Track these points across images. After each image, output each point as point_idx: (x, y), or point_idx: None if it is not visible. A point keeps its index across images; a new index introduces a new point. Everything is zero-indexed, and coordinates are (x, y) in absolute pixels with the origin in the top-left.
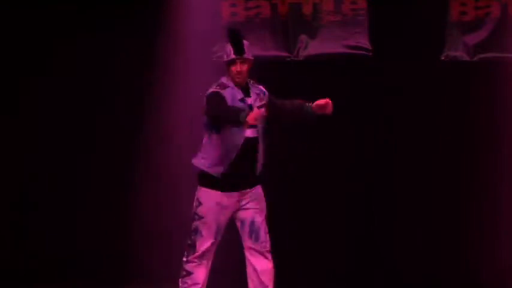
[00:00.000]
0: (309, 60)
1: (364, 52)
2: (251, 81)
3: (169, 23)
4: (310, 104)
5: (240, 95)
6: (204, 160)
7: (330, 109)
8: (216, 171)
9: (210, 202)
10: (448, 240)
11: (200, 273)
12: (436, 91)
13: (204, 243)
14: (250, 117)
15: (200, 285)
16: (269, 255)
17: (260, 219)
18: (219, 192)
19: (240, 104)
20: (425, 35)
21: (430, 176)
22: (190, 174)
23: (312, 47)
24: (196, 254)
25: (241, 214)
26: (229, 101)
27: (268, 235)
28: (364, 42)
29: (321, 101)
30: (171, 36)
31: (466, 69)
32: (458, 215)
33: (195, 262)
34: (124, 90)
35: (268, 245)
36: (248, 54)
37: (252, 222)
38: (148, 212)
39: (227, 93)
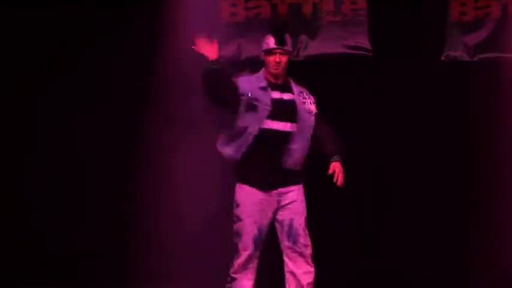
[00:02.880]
0: (309, 60)
1: (364, 52)
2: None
3: (169, 23)
4: (334, 159)
5: (263, 84)
6: (228, 147)
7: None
8: (235, 157)
9: (247, 201)
10: (448, 240)
11: (245, 280)
12: (436, 91)
13: (247, 248)
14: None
15: None
16: (309, 260)
17: (299, 222)
18: (255, 189)
19: (260, 93)
20: (425, 35)
21: (430, 176)
22: (190, 173)
23: (312, 47)
24: (240, 260)
25: (280, 215)
26: (243, 84)
27: (309, 239)
28: (364, 42)
29: (336, 175)
30: (171, 36)
31: (466, 69)
32: (458, 215)
33: (240, 269)
34: (124, 90)
35: (309, 249)
36: (289, 47)
37: (291, 224)
38: (148, 212)
39: (244, 78)
